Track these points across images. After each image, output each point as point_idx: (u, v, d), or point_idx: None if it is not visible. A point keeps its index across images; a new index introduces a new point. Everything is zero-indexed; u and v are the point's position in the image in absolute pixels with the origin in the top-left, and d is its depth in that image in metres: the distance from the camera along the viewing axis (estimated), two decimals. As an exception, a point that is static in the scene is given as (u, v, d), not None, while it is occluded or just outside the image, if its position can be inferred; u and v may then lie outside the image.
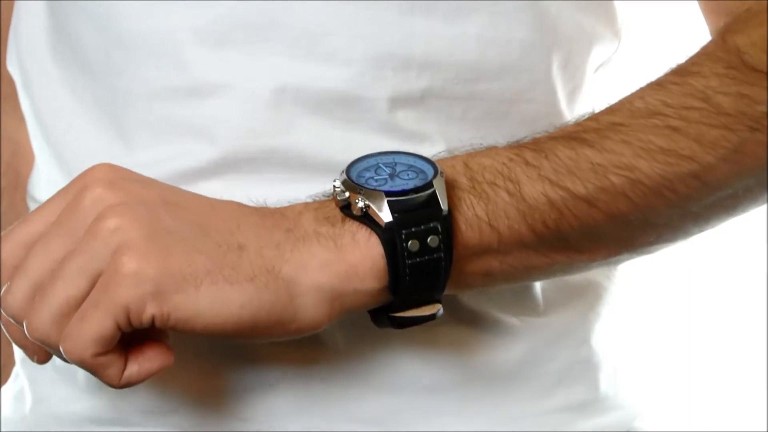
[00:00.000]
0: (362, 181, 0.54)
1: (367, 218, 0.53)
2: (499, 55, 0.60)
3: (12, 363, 0.71)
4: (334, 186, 0.54)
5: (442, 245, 0.53)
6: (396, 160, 0.55)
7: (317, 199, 0.55)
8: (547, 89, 0.62)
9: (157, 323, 0.50)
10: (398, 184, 0.54)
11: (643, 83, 0.57)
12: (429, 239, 0.52)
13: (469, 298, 0.62)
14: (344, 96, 0.59)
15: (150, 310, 0.50)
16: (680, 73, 0.56)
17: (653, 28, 0.73)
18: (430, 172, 0.54)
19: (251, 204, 0.54)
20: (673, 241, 0.59)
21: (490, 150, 0.56)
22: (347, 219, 0.53)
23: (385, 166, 0.55)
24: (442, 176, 0.54)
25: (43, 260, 0.52)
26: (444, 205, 0.53)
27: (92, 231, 0.51)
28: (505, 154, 0.55)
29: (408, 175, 0.54)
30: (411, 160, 0.55)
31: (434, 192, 0.53)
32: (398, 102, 0.59)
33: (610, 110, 0.56)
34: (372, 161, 0.55)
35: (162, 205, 0.52)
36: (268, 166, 0.58)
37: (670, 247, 0.60)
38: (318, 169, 0.56)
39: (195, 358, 0.61)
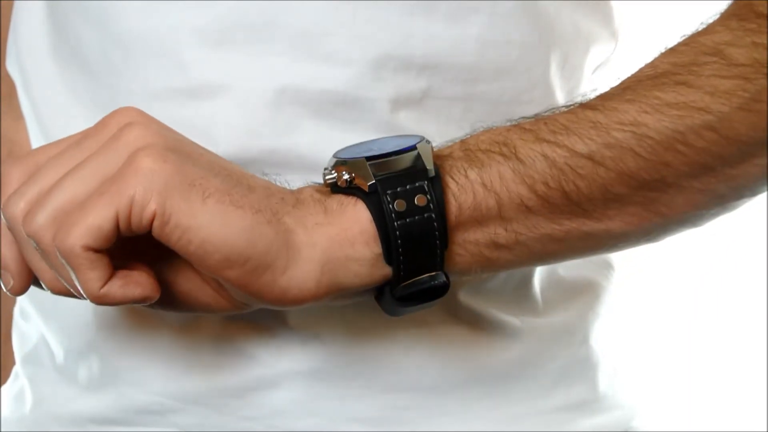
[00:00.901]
0: (344, 155, 0.54)
1: (353, 188, 0.53)
2: (498, 56, 0.60)
3: (12, 363, 0.71)
4: (324, 169, 0.54)
5: (431, 205, 0.52)
6: (386, 143, 0.55)
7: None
8: (546, 90, 0.62)
9: (156, 226, 0.49)
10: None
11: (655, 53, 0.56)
12: (416, 198, 0.52)
13: (469, 298, 0.62)
14: (344, 97, 0.59)
15: (152, 206, 0.49)
16: (691, 35, 0.55)
17: (651, 29, 0.73)
18: (416, 139, 0.54)
19: None
20: (708, 209, 0.55)
21: (490, 128, 0.55)
22: (337, 193, 0.54)
23: (375, 147, 0.55)
24: (428, 143, 0.54)
25: (59, 170, 0.51)
26: (429, 165, 0.53)
27: (115, 136, 0.51)
28: (503, 126, 0.55)
29: (393, 142, 0.54)
30: (401, 141, 0.55)
31: (418, 154, 0.53)
32: (399, 103, 0.59)
33: (619, 82, 0.56)
34: (363, 146, 0.55)
35: (185, 138, 0.52)
36: (268, 167, 0.58)
37: (710, 219, 0.57)
38: (318, 170, 0.56)
39: (197, 357, 0.61)
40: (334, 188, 0.54)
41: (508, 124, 0.55)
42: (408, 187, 0.52)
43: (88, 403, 0.64)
